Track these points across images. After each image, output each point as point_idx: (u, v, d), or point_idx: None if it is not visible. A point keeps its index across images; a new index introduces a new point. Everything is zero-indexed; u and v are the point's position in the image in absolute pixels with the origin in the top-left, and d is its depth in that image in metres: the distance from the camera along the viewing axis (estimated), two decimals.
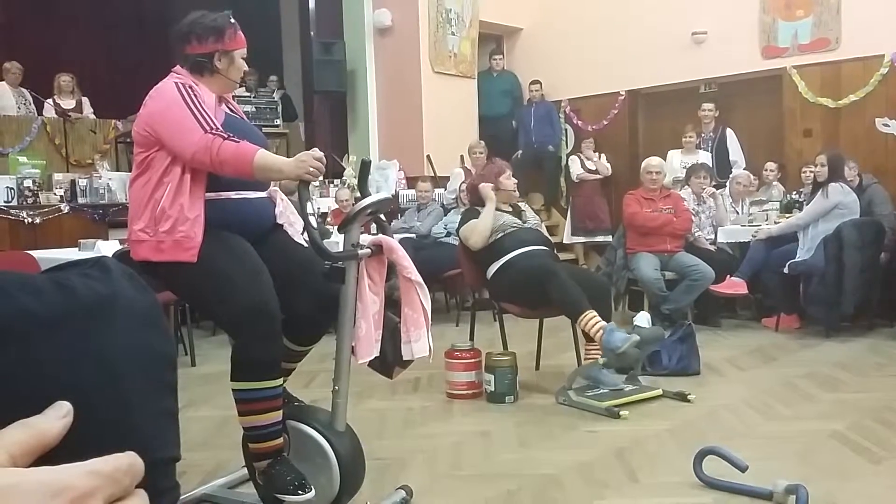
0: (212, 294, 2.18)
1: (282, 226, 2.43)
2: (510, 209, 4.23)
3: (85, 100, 7.66)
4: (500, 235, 4.04)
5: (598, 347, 3.61)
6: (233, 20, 2.36)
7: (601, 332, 3.48)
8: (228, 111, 2.45)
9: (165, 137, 2.20)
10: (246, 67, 2.43)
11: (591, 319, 3.53)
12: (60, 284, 0.51)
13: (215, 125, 2.19)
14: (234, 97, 2.60)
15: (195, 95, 2.22)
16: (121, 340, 0.51)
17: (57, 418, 0.44)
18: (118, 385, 0.51)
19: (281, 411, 2.23)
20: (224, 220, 2.24)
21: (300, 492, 2.14)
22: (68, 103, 7.46)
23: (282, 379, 2.24)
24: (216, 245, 2.19)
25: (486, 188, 4.12)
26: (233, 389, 2.19)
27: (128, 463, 0.44)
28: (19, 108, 7.29)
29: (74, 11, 9.74)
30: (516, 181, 4.31)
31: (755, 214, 6.24)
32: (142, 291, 0.55)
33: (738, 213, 6.34)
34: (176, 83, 2.24)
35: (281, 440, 2.23)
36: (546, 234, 4.40)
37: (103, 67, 9.35)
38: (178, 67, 2.34)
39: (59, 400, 0.45)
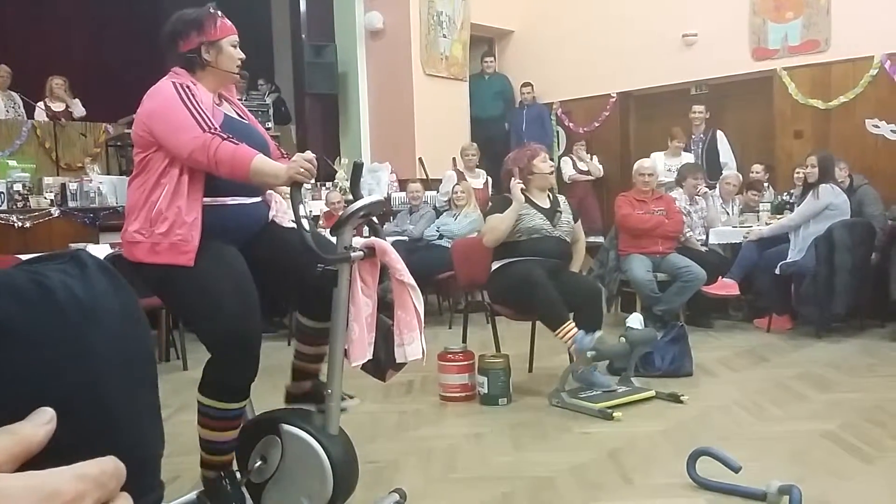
0: (197, 309, 2.19)
1: (273, 223, 2.43)
2: (549, 197, 4.08)
3: (76, 102, 7.62)
4: (521, 238, 3.93)
5: None
6: (213, 10, 2.35)
7: (573, 343, 3.61)
8: (237, 114, 2.44)
9: (162, 136, 2.19)
10: (240, 55, 2.39)
11: (567, 332, 3.65)
12: (40, 285, 0.50)
13: (213, 125, 2.18)
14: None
15: (192, 95, 2.22)
16: (101, 340, 0.51)
17: (40, 424, 0.44)
18: (100, 386, 0.50)
19: (238, 430, 2.26)
20: (219, 225, 2.24)
21: None
22: (60, 106, 7.43)
23: (248, 400, 2.27)
24: (210, 260, 2.18)
25: (515, 187, 3.93)
26: (198, 400, 2.22)
27: (113, 466, 0.44)
28: (7, 111, 7.24)
29: (67, 14, 9.70)
30: (553, 165, 4.11)
31: (746, 216, 6.27)
32: (118, 287, 0.55)
33: (728, 213, 6.36)
34: (173, 83, 2.24)
35: (231, 455, 2.28)
36: (574, 236, 4.16)
37: (95, 71, 9.30)
38: (175, 68, 2.33)
39: (40, 404, 0.45)
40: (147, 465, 0.53)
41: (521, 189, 3.91)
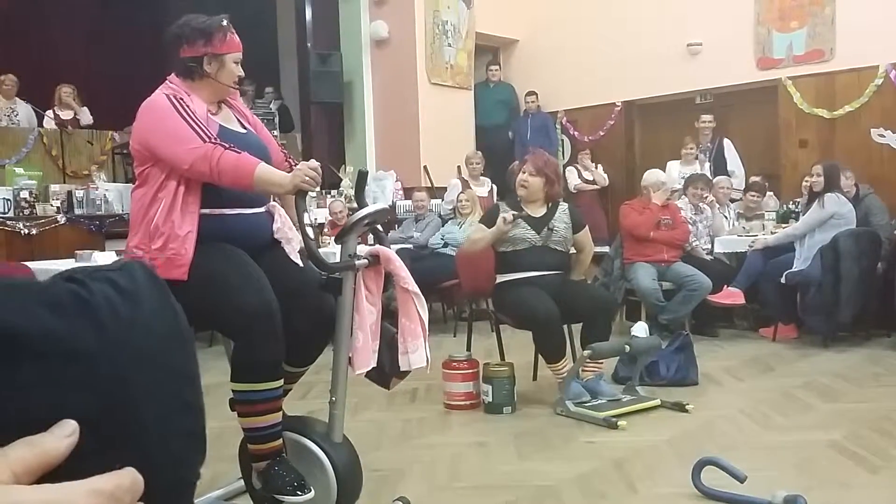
0: (212, 301, 2.15)
1: (279, 242, 2.41)
2: (548, 207, 4.00)
3: (84, 110, 7.65)
4: (509, 248, 3.93)
5: (597, 364, 3.87)
6: (225, 23, 2.34)
7: (562, 380, 3.71)
8: (239, 122, 2.43)
9: (161, 149, 2.19)
10: (239, 73, 2.39)
11: (561, 370, 3.75)
12: (80, 298, 0.49)
13: (212, 135, 2.19)
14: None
15: (186, 106, 2.22)
16: (138, 358, 0.50)
17: (62, 437, 0.43)
18: (132, 407, 0.49)
19: (281, 412, 2.22)
20: (221, 235, 2.24)
21: (299, 492, 2.13)
22: (68, 114, 7.45)
23: (282, 381, 2.22)
24: (209, 254, 2.18)
25: (500, 220, 3.83)
26: (233, 391, 2.18)
27: (130, 480, 0.43)
28: (1, 119, 7.20)
29: (73, 23, 9.76)
30: (529, 181, 3.96)
31: (752, 225, 6.26)
32: (166, 305, 0.53)
33: (726, 217, 6.34)
34: (167, 95, 2.24)
35: (280, 441, 2.22)
36: (579, 245, 4.13)
37: (101, 79, 9.35)
38: (171, 77, 2.34)
39: (70, 417, 0.44)
40: (175, 489, 0.53)
41: (506, 221, 3.82)
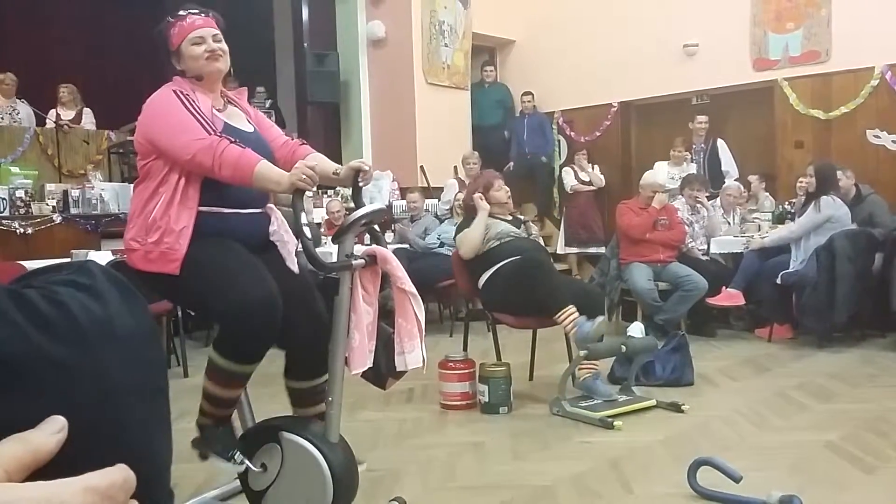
0: (211, 290, 2.14)
1: (275, 246, 2.41)
2: (510, 218, 4.24)
3: (87, 110, 7.62)
4: (496, 244, 4.03)
5: (593, 363, 3.81)
6: (172, 17, 2.29)
7: (574, 327, 3.61)
8: (247, 121, 2.43)
9: (163, 141, 2.20)
10: (208, 47, 2.27)
11: (569, 316, 3.63)
12: (61, 305, 0.49)
13: (217, 129, 2.20)
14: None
15: (192, 101, 2.23)
16: (116, 356, 0.50)
17: (52, 433, 0.44)
18: (115, 402, 0.49)
19: (243, 390, 2.27)
20: (218, 233, 2.25)
21: (231, 461, 2.19)
22: (69, 114, 7.43)
23: (257, 364, 2.22)
24: (210, 246, 2.19)
25: (477, 199, 4.12)
26: (210, 357, 2.18)
27: (123, 478, 0.43)
28: (2, 118, 7.17)
29: (70, 21, 9.74)
30: (508, 191, 4.28)
31: (747, 225, 6.27)
32: (128, 296, 0.54)
33: (729, 223, 6.36)
34: (174, 90, 2.26)
35: (232, 410, 2.29)
36: (543, 245, 4.44)
37: (97, 78, 9.32)
38: (175, 76, 2.35)
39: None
40: (158, 476, 0.53)
41: (482, 198, 4.10)
